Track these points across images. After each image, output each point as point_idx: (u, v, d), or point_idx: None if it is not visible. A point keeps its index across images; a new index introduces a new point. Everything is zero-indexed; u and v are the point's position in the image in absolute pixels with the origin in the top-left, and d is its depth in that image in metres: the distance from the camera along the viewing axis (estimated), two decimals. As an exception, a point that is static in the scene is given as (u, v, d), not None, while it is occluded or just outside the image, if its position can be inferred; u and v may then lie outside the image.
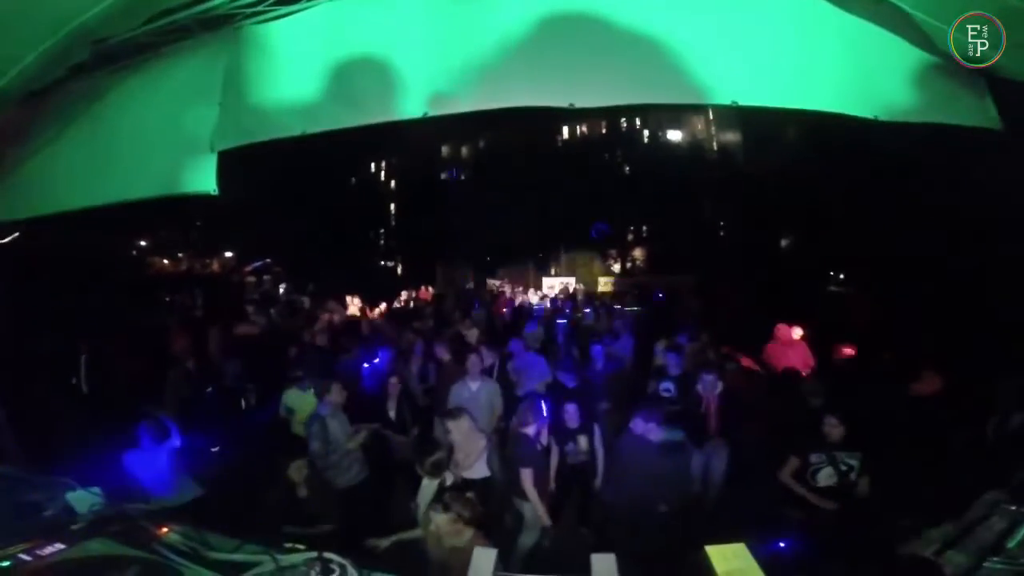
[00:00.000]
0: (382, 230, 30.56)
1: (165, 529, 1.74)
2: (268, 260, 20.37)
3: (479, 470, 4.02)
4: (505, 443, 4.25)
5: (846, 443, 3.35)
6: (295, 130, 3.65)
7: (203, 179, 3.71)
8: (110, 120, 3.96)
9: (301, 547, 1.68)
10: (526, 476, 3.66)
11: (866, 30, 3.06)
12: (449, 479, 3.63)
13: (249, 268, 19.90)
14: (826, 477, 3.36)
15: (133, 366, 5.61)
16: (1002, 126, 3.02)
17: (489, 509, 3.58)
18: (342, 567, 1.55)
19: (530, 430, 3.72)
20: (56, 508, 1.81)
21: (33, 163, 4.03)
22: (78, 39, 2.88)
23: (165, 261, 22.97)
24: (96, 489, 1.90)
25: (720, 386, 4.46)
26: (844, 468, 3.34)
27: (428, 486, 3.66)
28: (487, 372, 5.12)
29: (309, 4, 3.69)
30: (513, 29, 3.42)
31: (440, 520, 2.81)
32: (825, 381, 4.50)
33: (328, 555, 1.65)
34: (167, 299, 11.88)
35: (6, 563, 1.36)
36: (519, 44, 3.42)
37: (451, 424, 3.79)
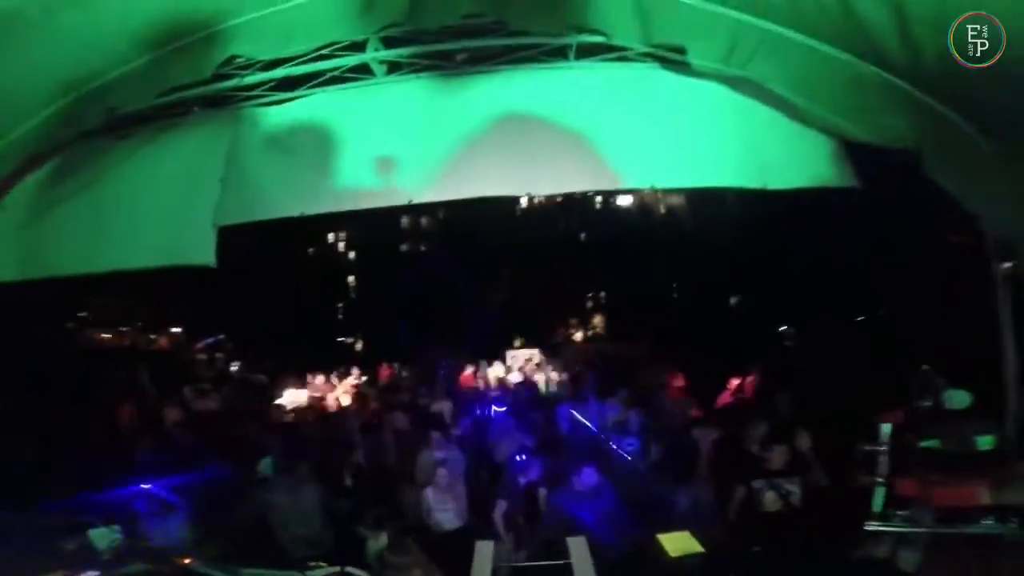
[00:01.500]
0: (341, 304, 30.07)
1: (188, 560, 1.91)
2: (221, 336, 19.50)
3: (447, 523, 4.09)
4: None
5: (786, 470, 3.64)
6: (294, 211, 4.03)
7: (202, 252, 3.96)
8: (112, 187, 4.08)
9: (324, 564, 1.90)
10: (499, 507, 3.76)
11: (754, 111, 3.65)
12: (386, 537, 3.58)
13: (200, 345, 18.95)
14: (771, 502, 3.61)
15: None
16: (858, 184, 3.83)
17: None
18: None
19: (521, 479, 3.91)
20: (77, 544, 1.93)
21: (30, 225, 4.04)
22: (93, 103, 3.00)
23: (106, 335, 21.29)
24: (116, 527, 2.03)
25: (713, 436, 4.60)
26: (784, 492, 3.60)
27: (372, 545, 3.58)
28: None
29: (304, 93, 4.10)
30: (480, 129, 4.09)
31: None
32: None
33: (350, 569, 1.87)
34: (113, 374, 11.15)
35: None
36: (485, 141, 4.09)
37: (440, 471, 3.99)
